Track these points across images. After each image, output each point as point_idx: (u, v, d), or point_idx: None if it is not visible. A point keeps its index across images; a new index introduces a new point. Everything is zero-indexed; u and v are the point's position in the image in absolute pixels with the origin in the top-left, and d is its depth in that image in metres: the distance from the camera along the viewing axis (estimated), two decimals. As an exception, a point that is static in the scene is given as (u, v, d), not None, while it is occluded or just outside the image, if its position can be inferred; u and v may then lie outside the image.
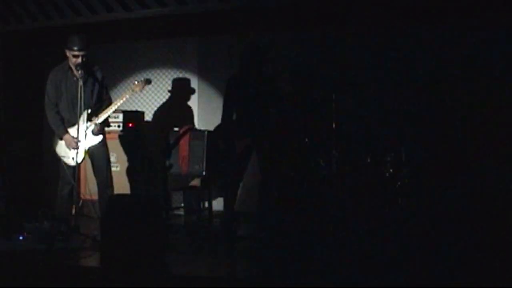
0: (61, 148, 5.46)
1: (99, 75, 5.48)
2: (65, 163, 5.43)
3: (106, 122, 5.51)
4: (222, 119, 5.95)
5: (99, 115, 5.37)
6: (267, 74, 5.99)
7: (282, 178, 5.50)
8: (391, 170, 5.30)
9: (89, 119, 5.34)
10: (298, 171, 5.67)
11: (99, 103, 5.46)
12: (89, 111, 5.34)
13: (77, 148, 5.29)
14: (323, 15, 6.72)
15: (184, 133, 6.92)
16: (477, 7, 5.93)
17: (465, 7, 5.96)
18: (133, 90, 5.49)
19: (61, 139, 5.43)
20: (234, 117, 5.87)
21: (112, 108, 5.38)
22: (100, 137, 5.45)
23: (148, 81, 5.57)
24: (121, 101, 5.41)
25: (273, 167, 5.92)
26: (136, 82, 5.55)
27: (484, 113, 5.94)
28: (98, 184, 5.52)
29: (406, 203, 5.21)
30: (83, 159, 5.41)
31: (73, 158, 5.34)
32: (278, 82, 6.09)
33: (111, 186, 5.54)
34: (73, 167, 5.33)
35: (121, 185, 6.69)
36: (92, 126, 5.34)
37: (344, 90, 5.11)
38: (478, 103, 5.96)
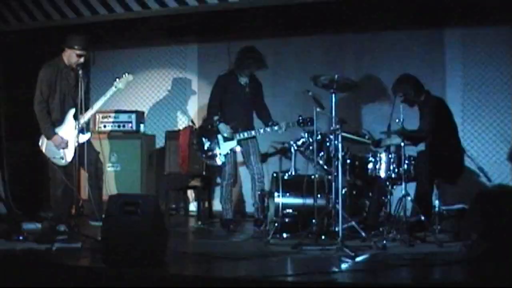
0: (50, 149, 5.42)
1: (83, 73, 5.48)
2: (55, 164, 5.40)
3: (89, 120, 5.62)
4: (208, 114, 5.95)
5: (85, 114, 5.36)
6: (257, 76, 6.02)
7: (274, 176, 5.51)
8: (391, 170, 5.29)
9: (75, 117, 5.35)
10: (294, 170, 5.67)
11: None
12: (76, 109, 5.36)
13: (66, 147, 5.30)
14: (324, 18, 6.72)
15: (184, 133, 6.92)
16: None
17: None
18: (116, 87, 5.49)
19: (49, 139, 5.40)
20: (220, 115, 5.88)
21: (97, 105, 5.42)
22: (89, 134, 5.52)
23: (130, 77, 5.56)
24: (105, 99, 5.43)
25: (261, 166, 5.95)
26: (118, 79, 5.54)
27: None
28: (89, 176, 5.48)
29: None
30: (73, 157, 5.36)
31: (62, 158, 5.34)
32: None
33: (101, 178, 5.59)
34: (64, 167, 5.34)
35: (121, 185, 6.68)
36: (80, 124, 5.32)
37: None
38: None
